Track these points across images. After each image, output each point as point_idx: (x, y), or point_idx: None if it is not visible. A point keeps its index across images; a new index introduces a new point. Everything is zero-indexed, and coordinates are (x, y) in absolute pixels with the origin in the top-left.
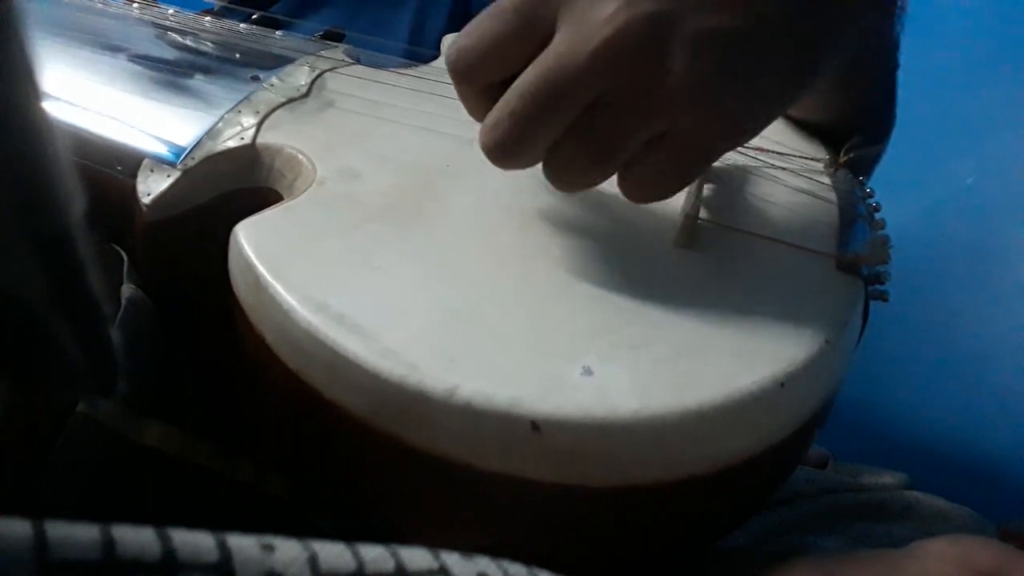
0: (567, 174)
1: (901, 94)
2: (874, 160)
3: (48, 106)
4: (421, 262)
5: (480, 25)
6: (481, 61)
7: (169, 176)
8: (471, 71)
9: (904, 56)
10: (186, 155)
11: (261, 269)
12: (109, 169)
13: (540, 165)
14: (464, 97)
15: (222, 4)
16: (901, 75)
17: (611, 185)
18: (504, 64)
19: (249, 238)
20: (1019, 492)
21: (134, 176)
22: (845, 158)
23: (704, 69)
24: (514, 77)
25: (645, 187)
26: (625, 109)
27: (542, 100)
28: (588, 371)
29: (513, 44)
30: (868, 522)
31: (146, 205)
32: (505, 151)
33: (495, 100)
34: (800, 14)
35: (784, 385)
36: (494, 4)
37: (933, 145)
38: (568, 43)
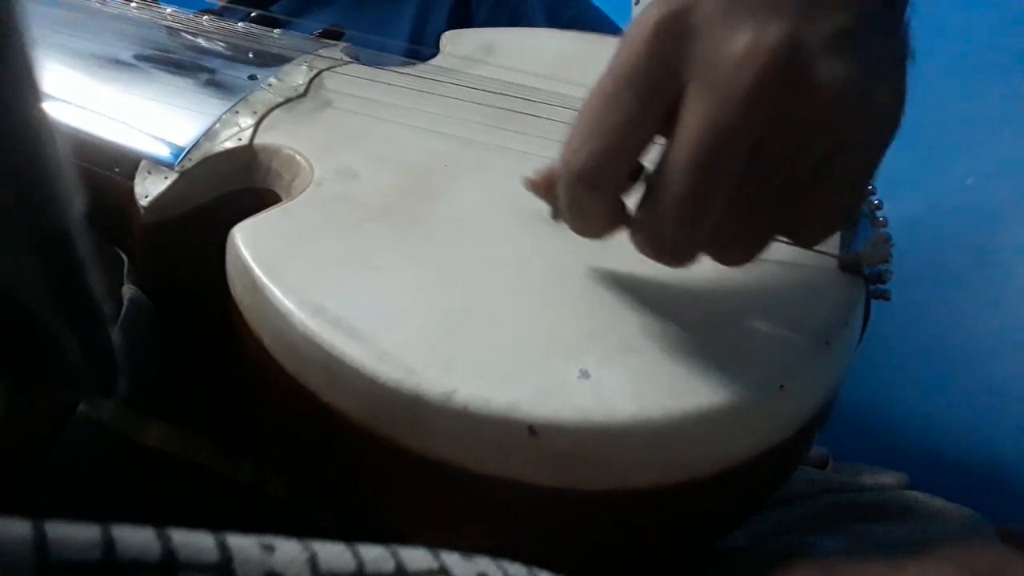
0: (743, 244)
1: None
2: None
3: (46, 107)
4: (419, 264)
5: (595, 118)
6: (617, 157)
7: (167, 178)
8: (608, 173)
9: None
10: (184, 156)
11: (258, 272)
12: (107, 171)
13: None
14: (596, 208)
15: (224, 4)
16: None
17: None
18: (639, 151)
19: (246, 240)
20: (1019, 492)
21: (132, 178)
22: None
23: (850, 70)
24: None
25: (830, 221)
26: (791, 144)
27: (709, 168)
28: (586, 374)
29: (647, 123)
30: (868, 522)
31: (144, 207)
32: (688, 241)
33: (618, 204)
34: (885, 4)
35: (784, 387)
36: (596, 90)
37: (933, 145)
38: (711, 97)
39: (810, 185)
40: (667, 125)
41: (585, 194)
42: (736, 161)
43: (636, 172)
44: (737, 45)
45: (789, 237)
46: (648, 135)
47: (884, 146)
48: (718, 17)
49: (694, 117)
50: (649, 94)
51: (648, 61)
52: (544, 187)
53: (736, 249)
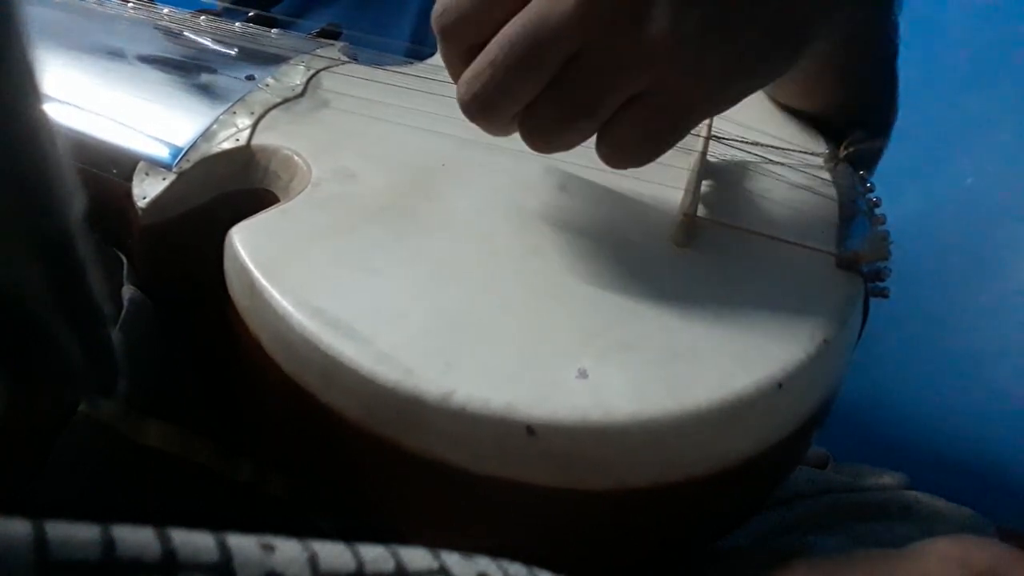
0: (543, 132)
1: (903, 94)
2: (876, 155)
3: (45, 107)
4: (417, 264)
5: None
6: (464, 18)
7: (164, 179)
8: (454, 28)
9: (904, 56)
10: (181, 157)
11: (256, 273)
12: (105, 172)
13: (518, 136)
14: (447, 57)
15: (224, 4)
16: (902, 75)
17: (609, 183)
18: (487, 22)
19: (244, 241)
20: (1019, 492)
21: (129, 179)
22: (845, 152)
23: (686, 27)
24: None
25: (622, 150)
26: (604, 65)
27: (522, 51)
28: (584, 374)
29: (496, 2)
30: (868, 522)
31: (142, 209)
32: (483, 104)
33: (467, 63)
34: None
35: (782, 386)
36: None
37: (933, 145)
38: None
39: (617, 110)
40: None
41: (440, 43)
42: (547, 56)
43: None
44: None
45: (596, 145)
46: (494, 13)
47: (695, 107)
48: None
49: (529, 7)
50: None
51: None
52: None
53: (537, 133)
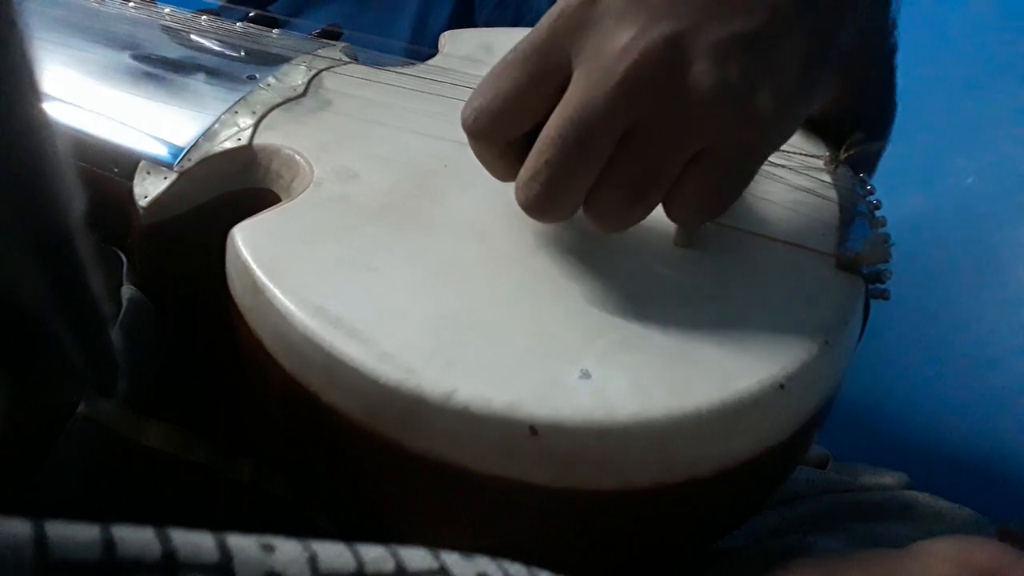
0: (610, 214)
1: (902, 94)
2: (876, 157)
3: (45, 107)
4: (419, 264)
5: (493, 82)
6: (500, 119)
7: (166, 178)
8: (491, 130)
9: (904, 56)
10: (183, 157)
11: (258, 272)
12: (106, 171)
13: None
14: (484, 158)
15: (223, 4)
16: (902, 75)
17: None
18: (524, 118)
19: (246, 240)
20: (1019, 492)
21: (131, 178)
22: (845, 155)
23: (729, 77)
24: (535, 133)
25: (692, 211)
26: (658, 137)
27: (574, 143)
28: (586, 374)
29: (531, 95)
30: (868, 522)
31: (143, 208)
32: (546, 203)
33: (518, 158)
34: (804, 5)
35: (784, 386)
36: (503, 59)
37: (933, 145)
38: (588, 81)
39: (680, 175)
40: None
41: (473, 143)
42: (600, 140)
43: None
44: (621, 39)
45: (666, 213)
46: (535, 104)
47: (757, 151)
48: (616, 11)
49: (570, 96)
50: (538, 71)
51: (544, 42)
52: None
53: (606, 216)
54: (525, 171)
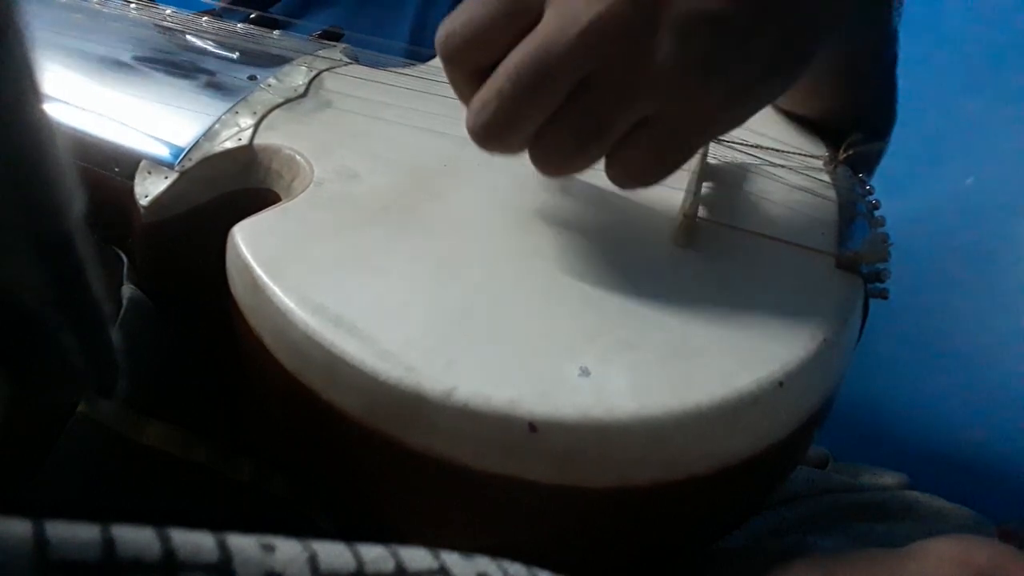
0: (552, 158)
1: (902, 95)
2: (876, 157)
3: (46, 107)
4: (419, 263)
5: (468, 8)
6: (470, 43)
7: (167, 178)
8: (460, 53)
9: (904, 56)
10: (183, 156)
11: (258, 271)
12: (107, 171)
13: (529, 156)
14: (453, 81)
15: (223, 5)
16: (902, 76)
17: (609, 183)
18: (493, 46)
19: (246, 240)
20: (1019, 492)
21: (131, 178)
22: (845, 155)
23: (690, 53)
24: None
25: (630, 172)
26: (610, 92)
27: (529, 80)
28: (586, 372)
29: (501, 26)
30: (868, 522)
31: (144, 207)
32: (491, 132)
33: (475, 86)
34: (785, 3)
35: (783, 384)
36: None
37: (933, 145)
38: (555, 24)
39: (625, 133)
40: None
41: (444, 65)
42: (554, 83)
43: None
44: None
45: (606, 168)
46: (505, 34)
47: (702, 129)
48: None
49: (536, 34)
50: (512, 4)
51: None
52: None
53: (547, 159)
54: (477, 98)
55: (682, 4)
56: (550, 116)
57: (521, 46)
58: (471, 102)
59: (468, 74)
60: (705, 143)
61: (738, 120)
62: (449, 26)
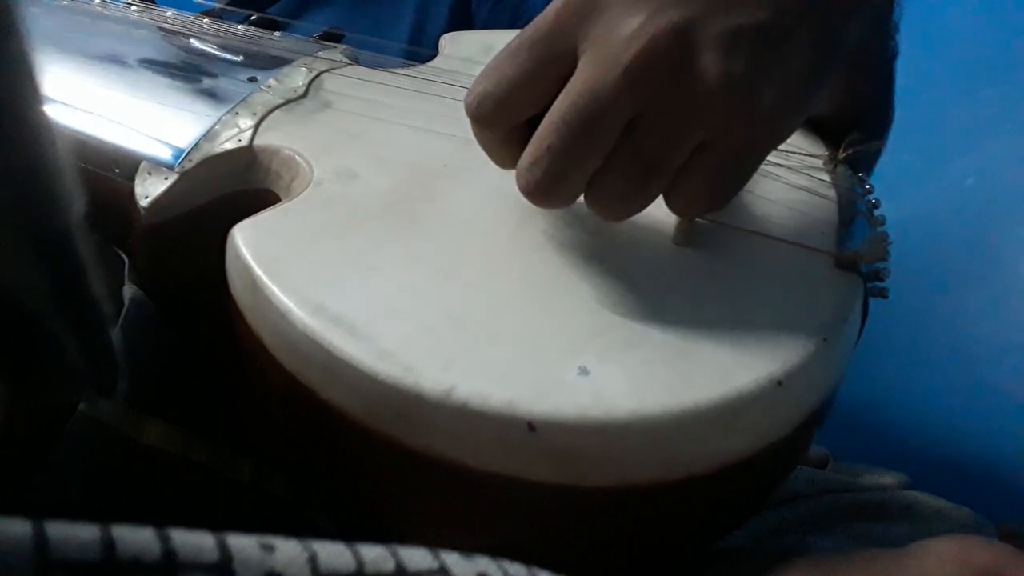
0: (612, 202)
1: (901, 94)
2: (874, 156)
3: (47, 108)
4: (418, 263)
5: (498, 67)
6: (504, 104)
7: (167, 179)
8: (494, 116)
9: (904, 56)
10: (183, 157)
11: (258, 271)
12: (107, 172)
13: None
14: (487, 144)
15: (222, 6)
16: (901, 75)
17: None
18: (528, 104)
19: (246, 240)
20: (1019, 492)
21: (132, 179)
22: (844, 154)
23: (735, 69)
24: (538, 119)
25: (695, 202)
26: (663, 125)
27: (577, 129)
28: (585, 371)
29: (536, 81)
30: (868, 522)
31: (144, 208)
32: (547, 189)
33: (520, 145)
34: (811, 3)
35: (782, 384)
36: (508, 44)
37: (933, 145)
38: (595, 68)
39: (682, 165)
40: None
41: (476, 129)
42: (605, 127)
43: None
44: (628, 26)
45: (666, 203)
46: (540, 89)
47: (760, 145)
48: None
49: (577, 81)
50: (544, 57)
51: (550, 29)
52: None
53: (607, 204)
54: (527, 156)
55: (718, 23)
56: (604, 161)
57: (563, 98)
58: (520, 162)
59: (505, 134)
60: (764, 157)
61: (788, 131)
62: (480, 88)
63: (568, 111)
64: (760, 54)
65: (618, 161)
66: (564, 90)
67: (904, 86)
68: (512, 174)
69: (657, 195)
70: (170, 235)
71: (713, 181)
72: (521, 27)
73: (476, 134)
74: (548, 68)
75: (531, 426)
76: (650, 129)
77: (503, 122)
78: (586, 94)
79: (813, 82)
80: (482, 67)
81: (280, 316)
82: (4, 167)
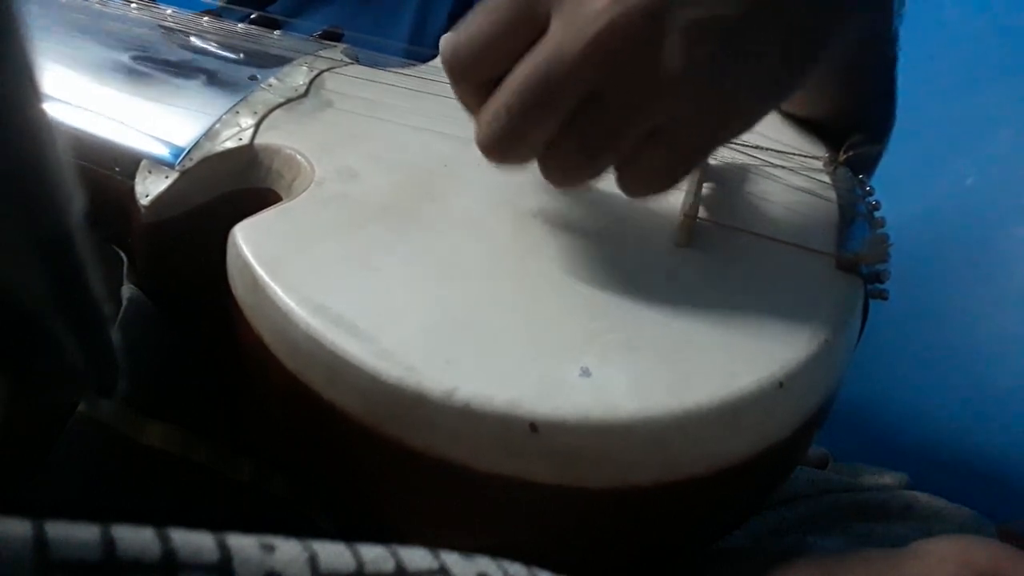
0: (562, 170)
1: (901, 95)
2: (875, 159)
3: (46, 106)
4: (419, 263)
5: (475, 21)
6: (476, 57)
7: (167, 177)
8: (466, 67)
9: (904, 56)
10: (184, 156)
11: (259, 270)
12: (107, 170)
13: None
14: (460, 94)
15: (222, 4)
16: (901, 76)
17: (609, 184)
18: (499, 59)
19: (247, 239)
20: (1019, 492)
21: (132, 177)
22: (845, 156)
23: (698, 59)
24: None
25: (641, 182)
26: (619, 103)
27: (536, 94)
28: (586, 372)
29: (508, 39)
30: (868, 522)
31: (144, 207)
32: (501, 147)
33: (481, 100)
34: (785, 3)
35: (783, 385)
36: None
37: (933, 145)
38: (561, 36)
39: (637, 143)
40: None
41: (450, 80)
42: (562, 97)
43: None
44: (600, 0)
45: (616, 178)
46: (512, 47)
47: (714, 135)
48: None
49: (542, 47)
50: (522, 13)
51: None
52: None
53: (556, 172)
54: (485, 111)
55: (689, 11)
56: (559, 128)
57: (527, 59)
58: (480, 115)
59: (475, 87)
60: (714, 150)
61: (747, 125)
62: (454, 40)
63: (529, 74)
64: (726, 48)
65: (572, 132)
66: (530, 52)
67: (904, 86)
68: (513, 175)
69: (605, 169)
70: (170, 234)
71: (662, 165)
72: None
73: (451, 83)
74: (520, 28)
75: (533, 427)
76: (607, 104)
77: (473, 76)
78: (548, 60)
79: (783, 81)
80: None
81: (281, 316)
82: (4, 167)
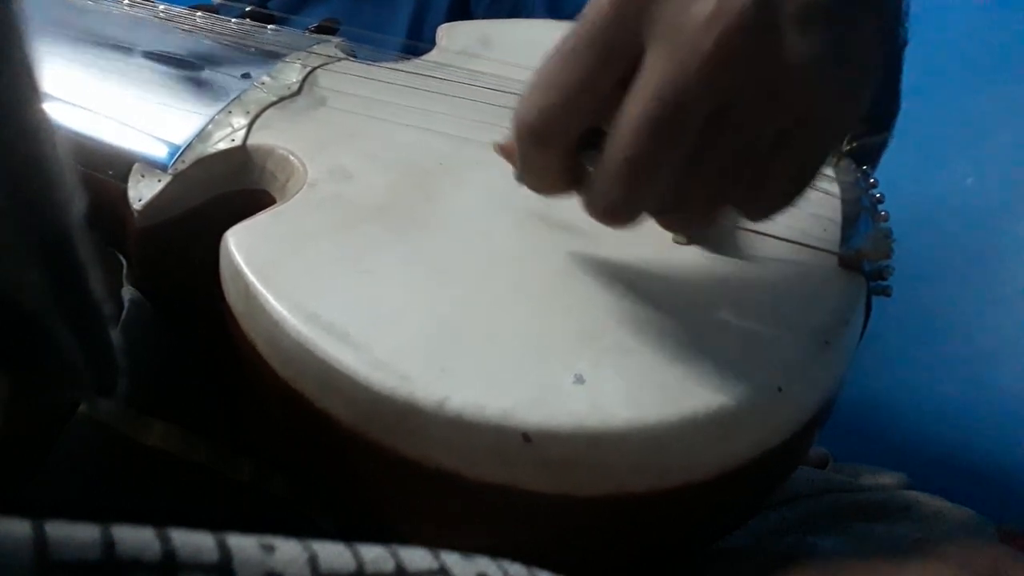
0: (702, 206)
1: (903, 94)
2: (879, 149)
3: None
4: (413, 267)
5: (551, 75)
6: (569, 114)
7: (160, 181)
8: (556, 127)
9: (905, 56)
10: (177, 158)
11: (251, 277)
12: (101, 173)
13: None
14: (545, 166)
15: (220, 1)
16: (903, 76)
17: None
18: (592, 109)
19: (239, 245)
20: (1019, 492)
21: (125, 180)
22: (848, 147)
23: (817, 46)
24: (591, 133)
25: (776, 196)
26: (752, 114)
27: (660, 133)
28: (580, 379)
29: (600, 83)
30: (868, 522)
31: (137, 211)
32: (628, 207)
33: (572, 163)
34: None
35: (782, 390)
36: (557, 48)
37: (933, 145)
38: (671, 59)
39: (765, 156)
40: (626, 89)
41: (535, 150)
42: (690, 126)
43: (594, 136)
44: (704, 8)
45: (738, 208)
46: (602, 95)
47: (845, 126)
48: None
49: (651, 77)
50: (607, 53)
51: (610, 20)
52: (510, 149)
53: (683, 213)
54: (602, 177)
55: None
56: (687, 164)
57: (637, 98)
58: (595, 187)
59: (566, 151)
60: (843, 139)
61: (864, 106)
62: (534, 102)
63: (647, 110)
64: (835, 30)
65: (704, 164)
66: (634, 90)
67: (905, 86)
68: (510, 175)
69: (745, 191)
70: (164, 238)
71: (796, 172)
72: (522, 20)
73: (528, 158)
74: (611, 67)
75: (526, 437)
76: (737, 121)
77: (565, 135)
78: (667, 91)
79: (877, 59)
80: (479, 59)
81: (273, 324)
82: (4, 167)
